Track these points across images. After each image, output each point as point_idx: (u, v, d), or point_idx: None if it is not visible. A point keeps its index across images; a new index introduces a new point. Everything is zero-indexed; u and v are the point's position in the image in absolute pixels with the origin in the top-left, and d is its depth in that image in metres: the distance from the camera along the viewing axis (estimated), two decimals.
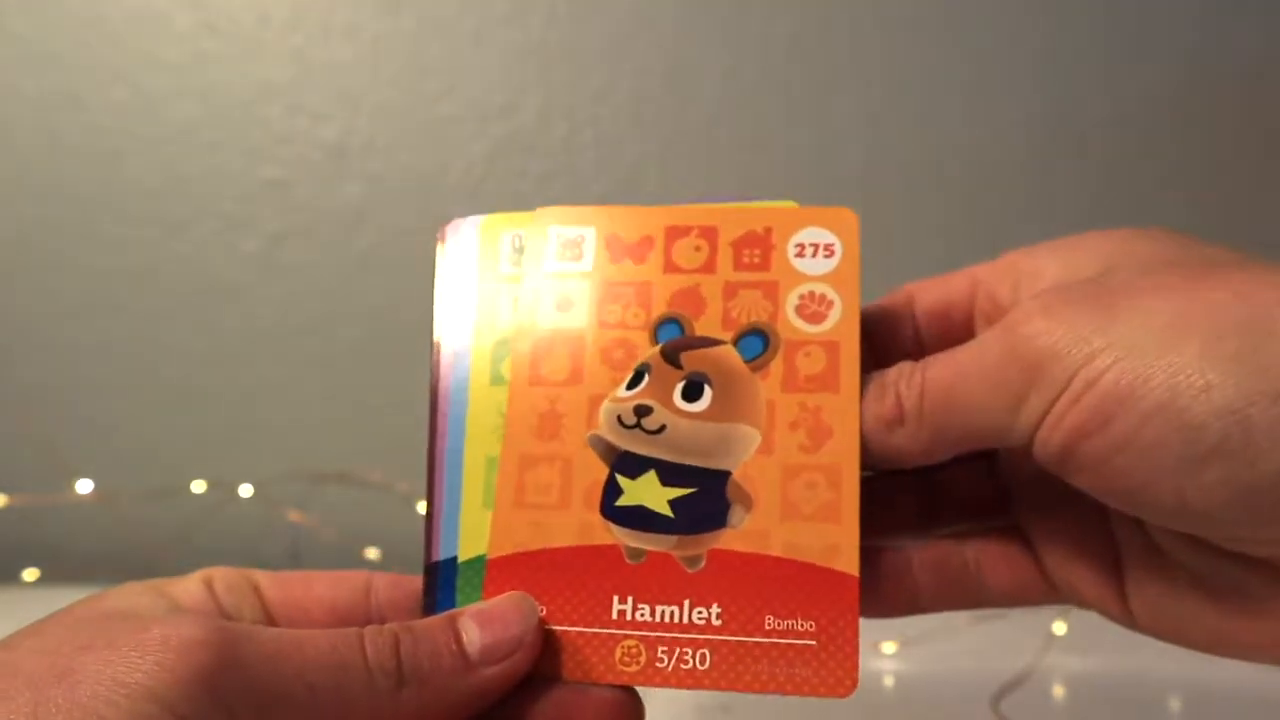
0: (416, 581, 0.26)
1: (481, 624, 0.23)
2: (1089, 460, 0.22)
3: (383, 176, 0.58)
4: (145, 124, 0.57)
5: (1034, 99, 0.58)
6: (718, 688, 0.23)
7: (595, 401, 0.25)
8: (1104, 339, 0.21)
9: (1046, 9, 0.58)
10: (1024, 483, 0.27)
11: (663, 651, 0.23)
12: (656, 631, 0.24)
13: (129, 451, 0.58)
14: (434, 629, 0.22)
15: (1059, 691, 0.43)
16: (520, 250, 0.27)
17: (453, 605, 0.24)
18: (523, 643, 0.23)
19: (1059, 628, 0.46)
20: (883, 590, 0.27)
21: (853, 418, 0.24)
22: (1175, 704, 0.42)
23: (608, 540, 0.24)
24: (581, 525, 0.24)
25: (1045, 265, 0.25)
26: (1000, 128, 0.58)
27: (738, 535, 0.24)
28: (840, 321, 0.25)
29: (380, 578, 0.26)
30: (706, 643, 0.23)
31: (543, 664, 0.24)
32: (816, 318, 0.25)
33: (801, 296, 0.26)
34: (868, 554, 0.27)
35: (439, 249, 0.28)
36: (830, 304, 0.25)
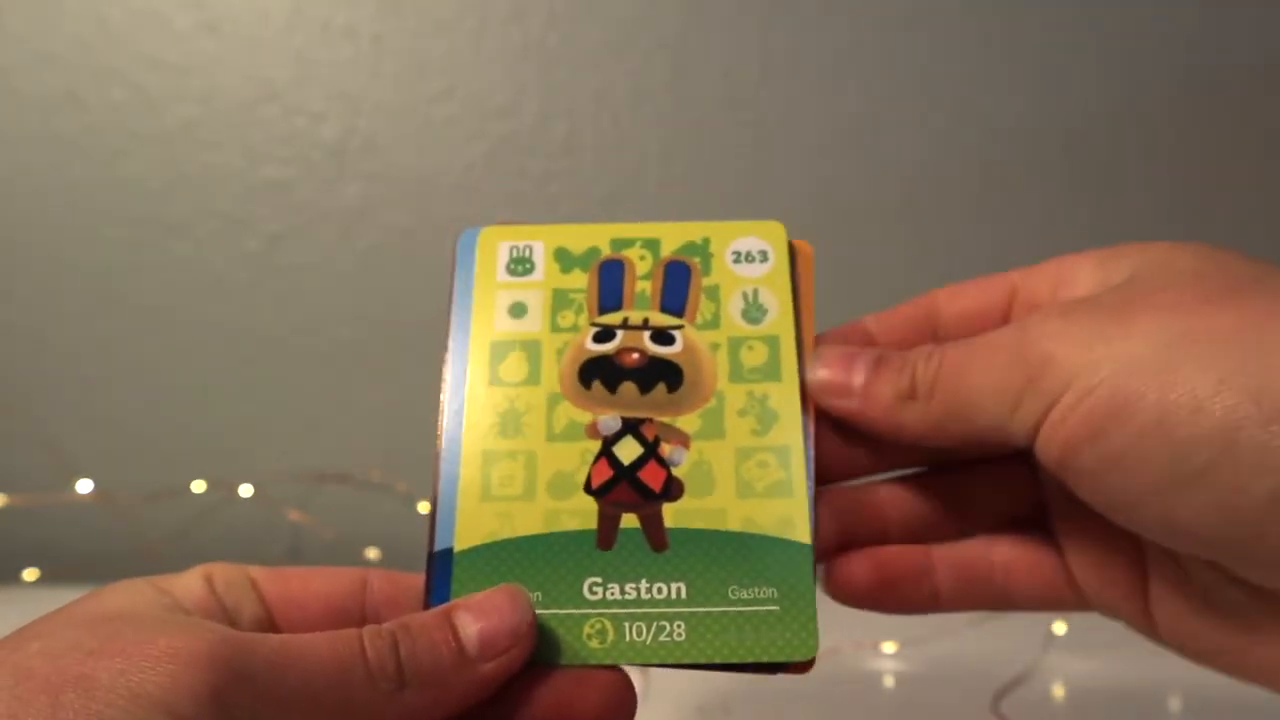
0: (412, 578, 0.26)
1: (477, 617, 0.23)
2: (1082, 472, 0.22)
3: (383, 176, 0.58)
4: (145, 124, 0.57)
5: (1034, 98, 0.58)
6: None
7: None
8: (1106, 351, 0.21)
9: (1047, 9, 0.58)
10: (1057, 489, 0.27)
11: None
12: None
13: (129, 451, 0.58)
14: (431, 626, 0.22)
15: (1059, 691, 0.43)
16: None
17: (448, 595, 0.25)
18: (519, 634, 0.23)
19: (1059, 628, 0.46)
20: (901, 587, 0.27)
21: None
22: (1175, 704, 0.42)
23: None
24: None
25: (1082, 273, 0.25)
26: (1001, 127, 0.58)
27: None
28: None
29: (376, 574, 0.27)
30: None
31: None
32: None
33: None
34: (883, 552, 0.27)
35: (454, 255, 0.30)
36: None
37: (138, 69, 0.56)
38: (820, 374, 0.27)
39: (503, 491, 0.26)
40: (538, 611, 0.24)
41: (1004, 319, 0.28)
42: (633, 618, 0.25)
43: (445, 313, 0.28)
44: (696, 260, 0.29)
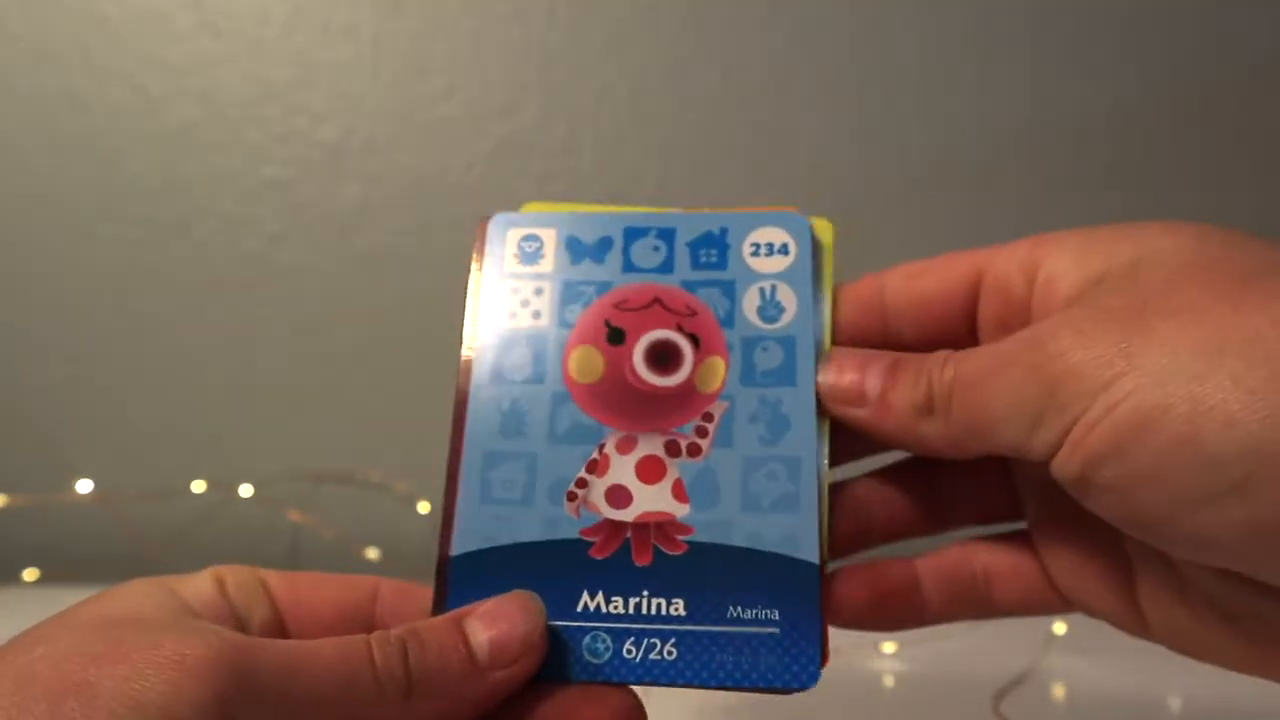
0: (422, 591, 0.26)
1: (488, 624, 0.22)
2: (1105, 489, 0.21)
3: (383, 176, 0.58)
4: (145, 124, 0.57)
5: (1034, 98, 0.58)
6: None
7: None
8: (1127, 363, 0.20)
9: (1047, 8, 0.58)
10: (1036, 489, 0.27)
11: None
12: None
13: (129, 451, 0.58)
14: (441, 632, 0.22)
15: (1059, 691, 0.43)
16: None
17: (465, 599, 0.24)
18: (530, 643, 0.23)
19: (1059, 628, 0.46)
20: (889, 606, 0.27)
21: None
22: (1175, 704, 0.42)
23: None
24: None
25: (1061, 261, 0.24)
26: (1001, 127, 0.58)
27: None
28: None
29: (387, 585, 0.26)
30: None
31: None
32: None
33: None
34: (872, 570, 0.27)
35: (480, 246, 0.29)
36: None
37: (138, 69, 0.56)
38: (830, 378, 0.25)
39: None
40: None
41: (967, 305, 0.26)
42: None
43: (463, 304, 0.27)
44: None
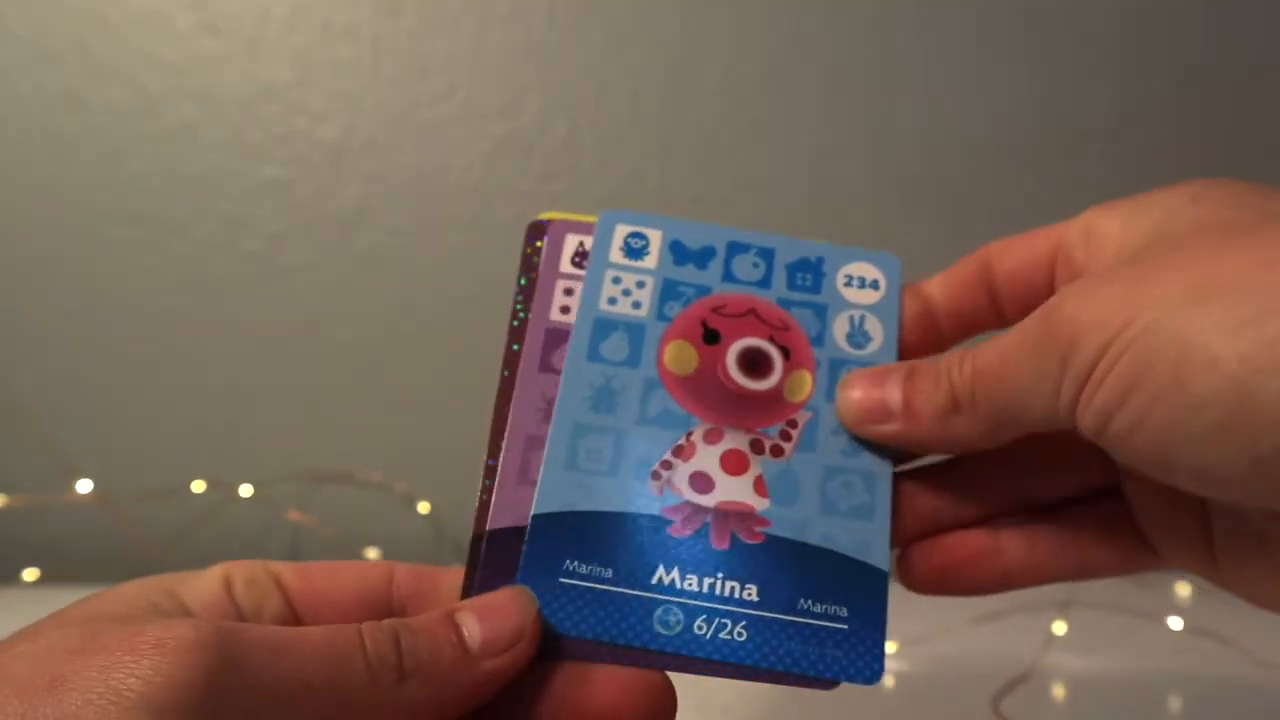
0: (438, 571, 0.26)
1: (480, 618, 0.22)
2: (1117, 439, 0.22)
3: (383, 176, 0.58)
4: (145, 124, 0.57)
5: (1034, 98, 0.58)
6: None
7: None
8: (1126, 317, 0.21)
9: (1047, 8, 0.58)
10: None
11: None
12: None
13: (129, 451, 0.58)
14: (433, 624, 0.22)
15: (1059, 691, 0.43)
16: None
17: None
18: (523, 634, 0.23)
19: (1059, 628, 0.46)
20: (967, 571, 0.27)
21: None
22: (1175, 704, 0.42)
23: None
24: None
25: (1112, 226, 0.25)
26: (1001, 127, 0.58)
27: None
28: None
29: (402, 569, 0.26)
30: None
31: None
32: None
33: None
34: (947, 541, 0.27)
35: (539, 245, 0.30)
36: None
37: (138, 69, 0.56)
38: (853, 395, 0.26)
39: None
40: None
41: (1049, 272, 0.27)
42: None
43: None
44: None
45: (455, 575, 0.26)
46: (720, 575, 0.25)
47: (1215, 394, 0.19)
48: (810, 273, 0.29)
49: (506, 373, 0.28)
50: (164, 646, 0.18)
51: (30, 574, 0.54)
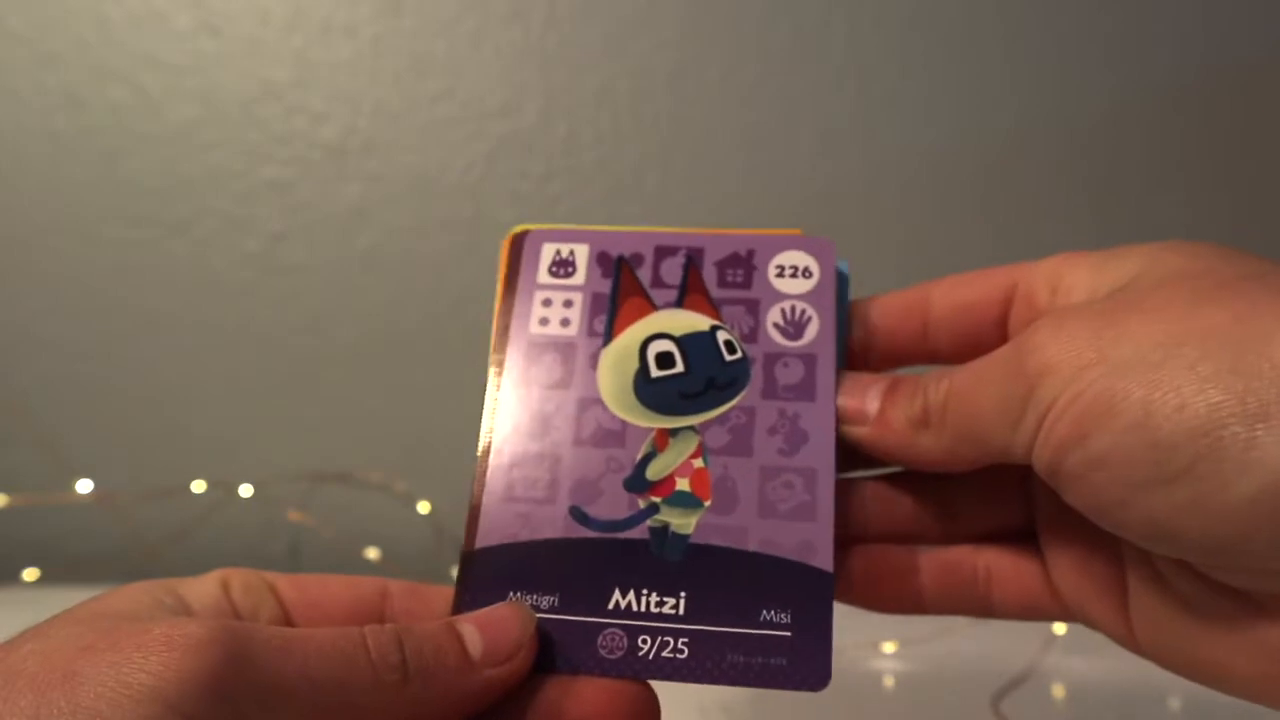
0: (433, 591, 0.26)
1: (481, 629, 0.23)
2: (1070, 476, 0.22)
3: (383, 176, 0.58)
4: (145, 124, 0.57)
5: (1034, 98, 0.58)
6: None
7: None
8: (1096, 354, 0.21)
9: (1048, 8, 0.58)
10: (1044, 496, 0.27)
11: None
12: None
13: (129, 451, 0.58)
14: (435, 630, 0.22)
15: (1059, 691, 0.43)
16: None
17: (482, 591, 0.25)
18: (521, 643, 0.23)
19: (1059, 628, 0.46)
20: (883, 588, 0.27)
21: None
22: (1175, 704, 0.42)
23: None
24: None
25: (1080, 274, 0.25)
26: (1001, 127, 0.58)
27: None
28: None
29: (396, 585, 0.27)
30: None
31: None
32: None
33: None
34: (873, 550, 0.27)
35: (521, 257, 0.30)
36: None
37: (138, 69, 0.56)
38: (838, 400, 0.27)
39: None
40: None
41: (1001, 314, 0.27)
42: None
43: (492, 313, 0.28)
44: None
45: (446, 593, 0.26)
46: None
47: (1184, 437, 0.19)
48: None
49: (492, 386, 0.28)
50: (173, 642, 0.18)
51: (30, 574, 0.54)
